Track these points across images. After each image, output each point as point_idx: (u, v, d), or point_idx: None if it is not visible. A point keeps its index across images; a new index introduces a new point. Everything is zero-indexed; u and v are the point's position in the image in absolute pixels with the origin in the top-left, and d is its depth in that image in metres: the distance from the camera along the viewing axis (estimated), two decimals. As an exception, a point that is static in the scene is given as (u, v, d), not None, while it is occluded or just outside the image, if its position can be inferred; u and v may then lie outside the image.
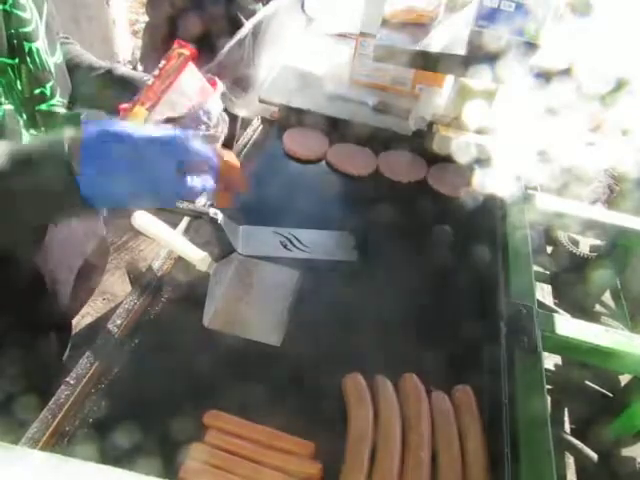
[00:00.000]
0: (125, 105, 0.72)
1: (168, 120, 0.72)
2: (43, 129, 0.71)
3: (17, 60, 0.65)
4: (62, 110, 0.74)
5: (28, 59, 0.66)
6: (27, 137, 0.68)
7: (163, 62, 0.72)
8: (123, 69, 0.84)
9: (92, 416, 0.67)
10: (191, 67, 0.74)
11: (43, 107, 0.71)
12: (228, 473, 0.60)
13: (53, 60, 0.71)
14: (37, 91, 0.69)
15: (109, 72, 0.82)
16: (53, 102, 0.72)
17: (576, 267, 1.10)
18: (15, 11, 0.63)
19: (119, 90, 0.79)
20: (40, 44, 0.68)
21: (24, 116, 0.68)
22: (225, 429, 0.65)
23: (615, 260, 1.05)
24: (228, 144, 1.46)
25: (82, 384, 0.68)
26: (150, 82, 0.71)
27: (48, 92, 0.71)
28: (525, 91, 1.07)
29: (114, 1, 2.48)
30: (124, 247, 2.12)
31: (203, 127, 0.77)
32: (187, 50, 0.73)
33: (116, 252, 2.08)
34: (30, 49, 0.66)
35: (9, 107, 0.64)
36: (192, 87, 0.74)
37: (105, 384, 0.70)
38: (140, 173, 0.47)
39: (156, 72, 0.72)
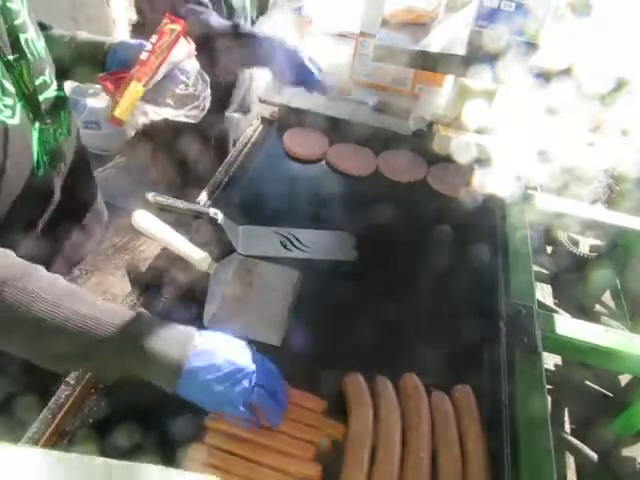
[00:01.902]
0: (103, 75, 0.72)
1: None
2: (49, 121, 0.71)
3: (17, 55, 0.64)
4: (55, 93, 0.73)
5: (26, 52, 0.65)
6: (36, 133, 0.68)
7: (155, 37, 0.72)
8: (85, 35, 0.83)
9: (92, 416, 0.67)
10: (181, 40, 0.74)
11: (46, 95, 0.70)
12: (228, 474, 0.60)
13: (41, 45, 0.70)
14: (38, 82, 0.68)
15: (73, 40, 0.81)
16: (53, 87, 0.72)
17: (576, 267, 1.10)
18: (7, 4, 0.62)
19: (88, 58, 0.79)
20: (31, 34, 0.67)
21: (29, 110, 0.67)
22: (226, 431, 0.65)
23: (615, 260, 1.05)
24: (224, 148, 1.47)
25: (82, 384, 0.68)
26: (144, 57, 0.71)
27: (48, 79, 0.70)
28: (525, 91, 1.07)
29: (114, 1, 2.48)
30: (124, 247, 2.11)
31: (182, 86, 0.76)
32: (178, 25, 0.73)
33: (116, 252, 2.08)
34: (26, 41, 0.65)
35: (19, 105, 0.64)
36: (181, 57, 0.75)
37: (105, 384, 0.70)
38: (220, 404, 0.60)
39: (149, 47, 0.72)
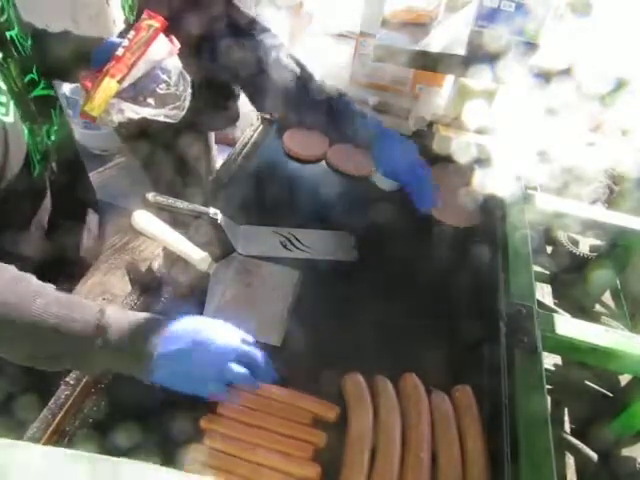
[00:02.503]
0: (85, 73, 0.70)
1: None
2: (40, 119, 0.70)
3: (2, 53, 0.63)
4: (44, 91, 0.72)
5: (12, 49, 0.64)
6: (26, 132, 0.68)
7: (132, 33, 0.70)
8: (79, 35, 0.81)
9: (92, 416, 0.67)
10: (160, 37, 0.72)
11: (37, 93, 0.69)
12: (227, 474, 0.60)
13: (28, 43, 0.69)
14: (27, 79, 0.67)
15: (65, 38, 0.80)
16: (42, 85, 0.71)
17: (576, 267, 1.09)
18: None
19: (79, 58, 0.77)
20: (17, 31, 0.66)
21: (19, 108, 0.66)
22: (223, 432, 0.65)
23: (615, 260, 1.05)
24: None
25: (82, 384, 0.68)
26: (120, 53, 0.69)
27: (36, 76, 0.70)
28: (525, 91, 1.07)
29: (114, 1, 2.48)
30: (124, 247, 2.11)
31: (163, 86, 0.74)
32: (157, 22, 0.71)
33: (116, 252, 2.08)
34: (11, 38, 0.64)
35: (12, 103, 0.64)
36: (161, 55, 0.73)
37: (105, 384, 0.70)
38: (195, 385, 0.60)
39: (125, 43, 0.69)
